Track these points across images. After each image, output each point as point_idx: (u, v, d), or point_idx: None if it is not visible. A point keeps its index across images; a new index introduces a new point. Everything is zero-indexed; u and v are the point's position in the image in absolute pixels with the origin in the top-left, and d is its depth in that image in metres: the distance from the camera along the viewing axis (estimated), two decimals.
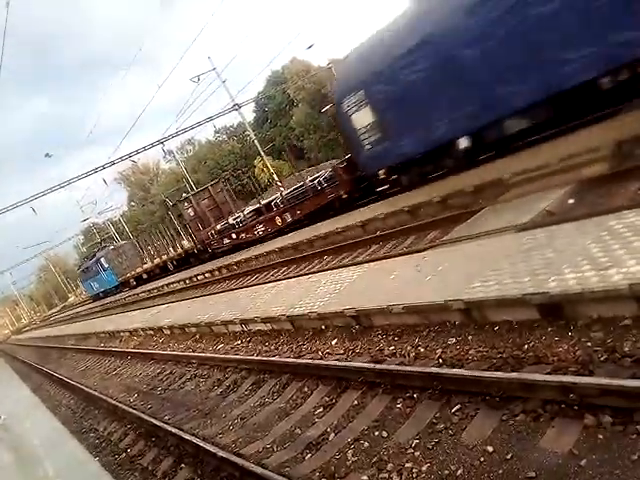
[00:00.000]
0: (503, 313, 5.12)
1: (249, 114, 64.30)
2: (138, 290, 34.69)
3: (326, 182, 18.35)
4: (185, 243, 30.74)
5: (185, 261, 30.67)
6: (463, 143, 12.03)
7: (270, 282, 12.72)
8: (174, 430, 6.59)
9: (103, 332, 21.24)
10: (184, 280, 25.68)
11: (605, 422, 3.28)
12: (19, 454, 8.22)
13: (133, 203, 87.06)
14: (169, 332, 14.11)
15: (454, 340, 5.38)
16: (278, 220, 20.68)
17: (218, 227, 25.90)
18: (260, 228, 21.94)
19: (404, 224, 11.91)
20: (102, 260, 40.69)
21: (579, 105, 9.91)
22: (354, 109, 14.23)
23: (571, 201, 7.70)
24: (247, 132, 41.09)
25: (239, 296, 12.52)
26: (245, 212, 24.42)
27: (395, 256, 8.99)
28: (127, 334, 17.99)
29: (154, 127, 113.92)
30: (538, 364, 4.21)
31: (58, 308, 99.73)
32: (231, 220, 24.61)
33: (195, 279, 24.21)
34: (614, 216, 5.49)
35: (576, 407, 3.47)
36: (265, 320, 9.24)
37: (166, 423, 7.13)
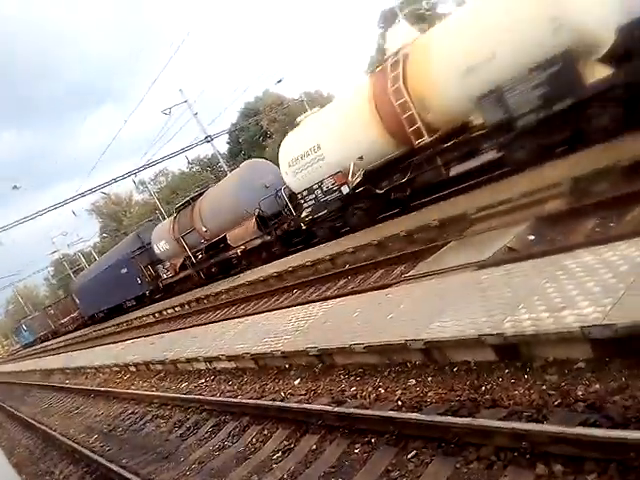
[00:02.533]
0: (462, 354, 5.09)
1: (222, 145, 64.46)
2: (107, 324, 34.00)
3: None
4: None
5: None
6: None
7: (238, 317, 12.56)
8: (129, 475, 6.35)
9: (68, 368, 20.66)
10: (153, 314, 25.25)
11: (557, 471, 3.23)
12: None
13: (105, 234, 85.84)
14: (134, 369, 13.75)
15: (414, 382, 5.31)
16: None
17: None
18: None
19: (372, 258, 11.92)
20: (23, 326, 65.85)
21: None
22: (74, 296, 45.88)
23: (531, 237, 7.79)
24: (220, 163, 41.11)
25: (206, 331, 12.31)
26: None
27: (360, 292, 8.95)
28: (93, 370, 17.51)
29: (127, 160, 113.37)
30: (494, 407, 4.17)
31: None
32: None
33: (165, 312, 23.81)
34: (569, 255, 5.54)
35: (528, 455, 3.42)
36: (230, 358, 9.07)
37: (122, 467, 6.87)
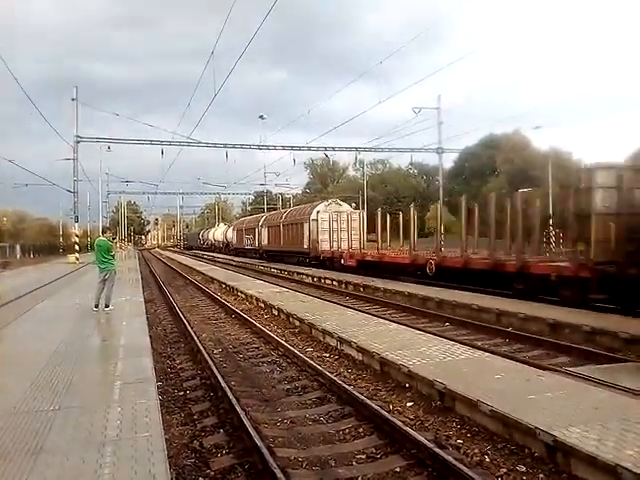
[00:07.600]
0: (588, 472, 4.60)
1: (448, 162, 64.20)
2: (272, 264, 36.40)
3: None
4: None
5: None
6: None
7: (387, 319, 12.68)
8: (232, 397, 6.85)
9: (226, 284, 22.68)
10: (312, 277, 26.46)
11: None
12: (105, 345, 9.11)
13: (308, 191, 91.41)
14: (276, 313, 14.66)
15: (524, 469, 4.96)
16: None
17: None
18: None
19: (540, 334, 11.16)
20: (185, 235, 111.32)
21: None
22: (188, 237, 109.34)
23: None
24: (438, 177, 41.17)
25: (349, 316, 12.65)
26: None
27: (510, 358, 8.48)
28: (243, 296, 19.01)
29: (358, 132, 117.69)
30: None
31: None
32: None
33: (323, 282, 24.80)
34: None
35: None
36: (360, 350, 9.23)
37: (229, 388, 7.42)
